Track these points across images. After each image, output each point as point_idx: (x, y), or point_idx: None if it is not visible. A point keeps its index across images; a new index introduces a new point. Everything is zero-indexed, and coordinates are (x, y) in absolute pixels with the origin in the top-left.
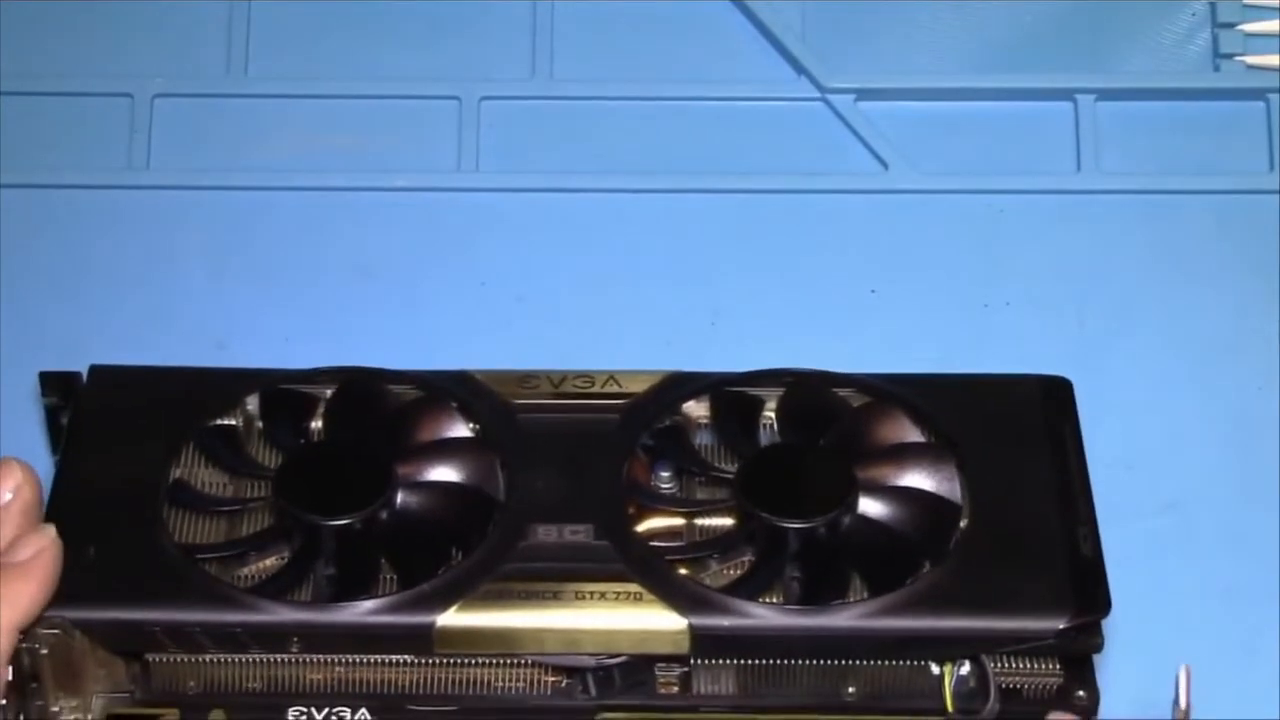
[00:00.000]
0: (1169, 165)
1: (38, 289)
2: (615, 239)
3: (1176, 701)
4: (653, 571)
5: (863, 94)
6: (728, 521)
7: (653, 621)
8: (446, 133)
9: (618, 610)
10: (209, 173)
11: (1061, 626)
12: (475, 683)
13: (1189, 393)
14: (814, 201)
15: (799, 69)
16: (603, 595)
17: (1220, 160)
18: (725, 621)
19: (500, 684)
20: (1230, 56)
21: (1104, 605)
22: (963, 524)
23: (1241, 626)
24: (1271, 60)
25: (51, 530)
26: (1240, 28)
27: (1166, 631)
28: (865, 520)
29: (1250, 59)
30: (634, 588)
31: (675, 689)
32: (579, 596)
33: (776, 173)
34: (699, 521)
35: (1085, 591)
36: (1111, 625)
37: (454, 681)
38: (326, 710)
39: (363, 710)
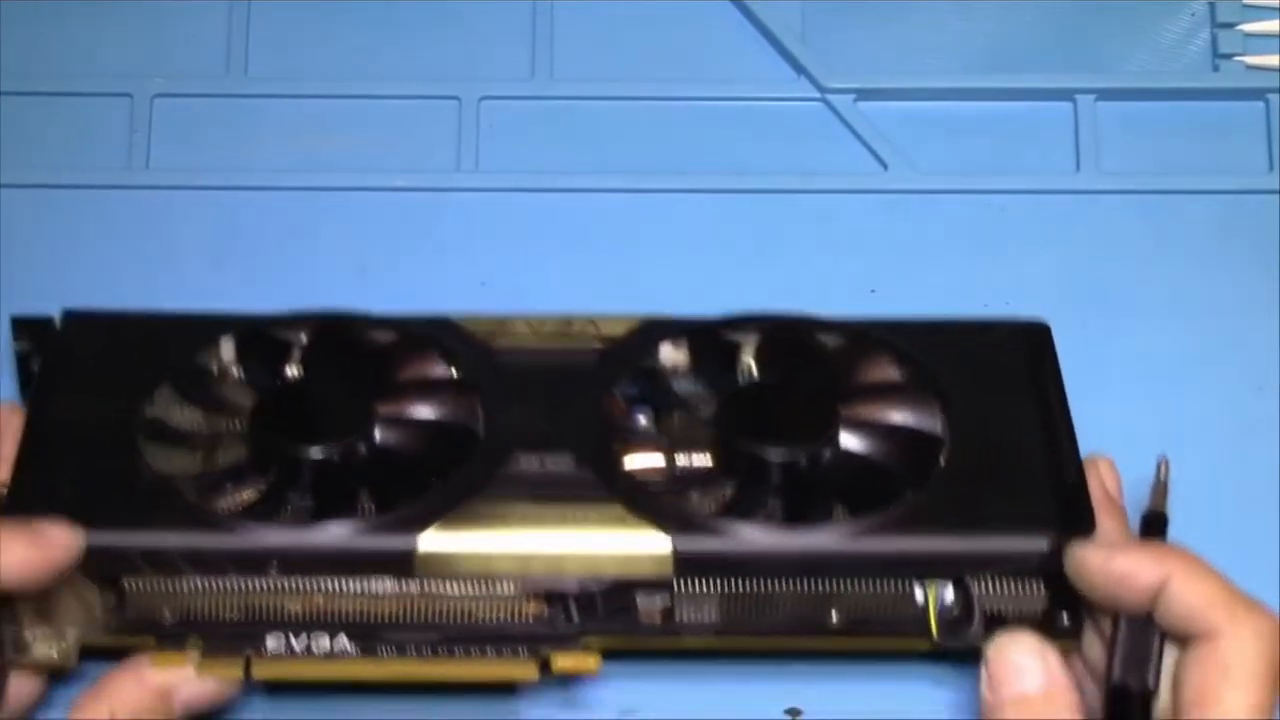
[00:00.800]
0: (1169, 165)
1: (38, 289)
2: (615, 239)
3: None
4: (636, 496)
5: (863, 94)
6: (708, 463)
7: (636, 544)
8: (446, 133)
9: (601, 532)
10: (209, 173)
11: (1046, 545)
12: (455, 612)
13: (1189, 393)
14: (814, 201)
15: (799, 69)
16: (585, 518)
17: (1220, 160)
18: (709, 542)
19: (481, 614)
20: (1230, 56)
21: (1089, 524)
22: (945, 455)
23: None
24: (1271, 60)
25: (82, 539)
26: (1240, 28)
27: None
28: (847, 453)
29: (1250, 59)
30: (617, 511)
31: (658, 621)
32: (562, 519)
33: (776, 173)
34: (679, 462)
35: (1069, 512)
36: None
37: (434, 611)
38: (305, 637)
39: (341, 636)
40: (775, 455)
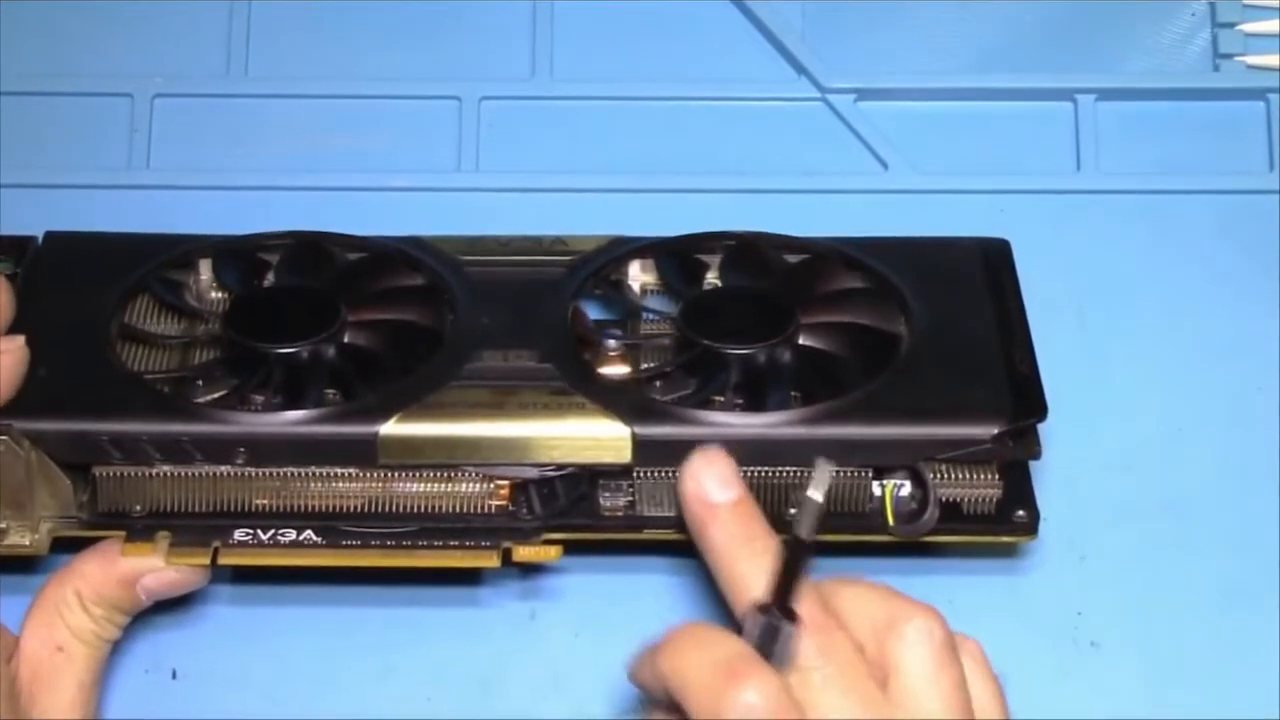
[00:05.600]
0: (1169, 165)
1: None
2: None
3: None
4: (597, 388)
5: (863, 94)
6: (670, 362)
7: (596, 429)
8: (446, 133)
9: (561, 419)
10: (209, 173)
11: (998, 430)
12: (419, 507)
13: (1189, 393)
14: (814, 201)
15: (799, 69)
16: (546, 406)
17: (1220, 160)
18: (666, 428)
19: (445, 506)
20: (1230, 56)
21: (1040, 410)
22: (903, 350)
23: (1241, 626)
24: (1271, 60)
25: (20, 340)
26: (1240, 28)
27: (1166, 631)
28: (805, 349)
29: (1250, 59)
30: (578, 399)
31: (620, 515)
32: (523, 407)
33: (776, 173)
34: (642, 363)
35: (1022, 399)
36: (1111, 626)
37: (398, 506)
38: (273, 530)
39: (308, 531)
40: (736, 350)
